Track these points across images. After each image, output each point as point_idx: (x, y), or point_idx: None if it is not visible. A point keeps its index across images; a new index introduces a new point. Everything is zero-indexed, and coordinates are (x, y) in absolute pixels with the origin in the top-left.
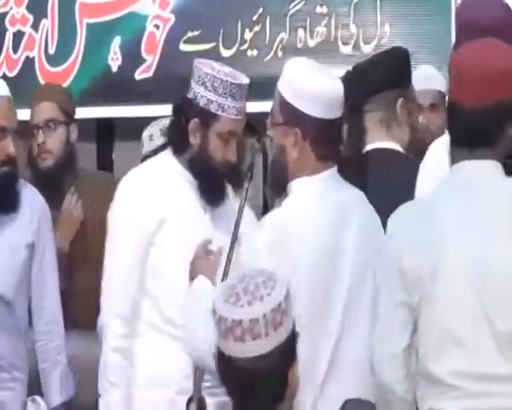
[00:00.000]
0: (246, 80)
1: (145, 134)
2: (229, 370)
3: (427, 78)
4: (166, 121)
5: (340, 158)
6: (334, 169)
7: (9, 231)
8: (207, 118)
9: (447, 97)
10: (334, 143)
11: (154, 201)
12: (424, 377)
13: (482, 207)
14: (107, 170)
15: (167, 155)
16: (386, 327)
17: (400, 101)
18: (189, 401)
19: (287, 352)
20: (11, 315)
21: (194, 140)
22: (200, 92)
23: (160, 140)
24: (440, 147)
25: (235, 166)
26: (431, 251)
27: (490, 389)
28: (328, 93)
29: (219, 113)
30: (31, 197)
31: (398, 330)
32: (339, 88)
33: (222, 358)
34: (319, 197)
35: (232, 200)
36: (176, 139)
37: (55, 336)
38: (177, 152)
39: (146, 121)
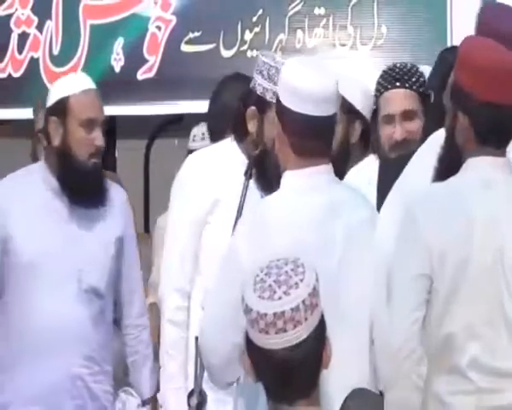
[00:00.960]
0: None
1: (193, 132)
2: (268, 363)
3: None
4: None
5: (330, 156)
6: (322, 167)
7: (100, 226)
8: (263, 106)
9: (458, 93)
10: (317, 141)
11: (209, 183)
12: (436, 361)
13: (507, 205)
14: (109, 168)
15: (230, 142)
16: (403, 298)
17: None
18: (190, 394)
19: (321, 333)
20: (102, 309)
21: (252, 128)
22: (257, 81)
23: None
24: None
25: None
26: (461, 243)
27: (501, 384)
28: (309, 89)
29: (274, 101)
30: (114, 190)
31: (415, 300)
32: (326, 86)
33: (259, 353)
34: (299, 193)
35: None
36: (236, 127)
37: (145, 329)
38: (238, 139)
39: (148, 120)
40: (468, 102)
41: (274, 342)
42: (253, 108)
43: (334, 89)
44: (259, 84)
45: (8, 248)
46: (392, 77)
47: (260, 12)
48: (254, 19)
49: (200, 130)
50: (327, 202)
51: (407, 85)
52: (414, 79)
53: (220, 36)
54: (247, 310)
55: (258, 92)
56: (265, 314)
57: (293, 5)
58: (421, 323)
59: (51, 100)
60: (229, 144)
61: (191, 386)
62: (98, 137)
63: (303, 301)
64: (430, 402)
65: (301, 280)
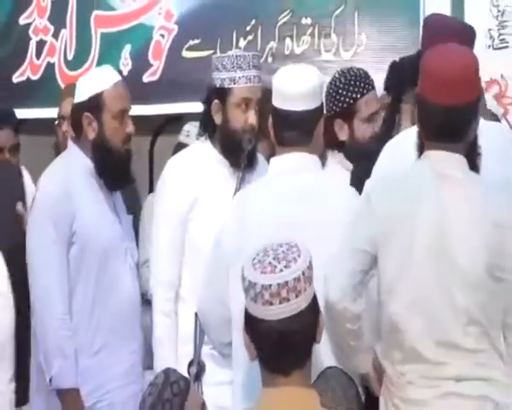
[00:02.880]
0: (250, 52)
1: (186, 128)
2: (269, 335)
3: None
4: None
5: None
6: (304, 154)
7: (123, 207)
8: (223, 94)
9: (416, 94)
10: (294, 131)
11: (188, 182)
12: (390, 341)
13: (453, 197)
14: None
15: (204, 142)
16: (342, 264)
17: None
18: (190, 364)
19: (315, 307)
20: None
21: (218, 119)
22: (214, 76)
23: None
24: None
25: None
26: (407, 227)
27: (445, 358)
28: (282, 86)
29: (231, 85)
30: None
31: (351, 269)
32: (299, 87)
33: (260, 326)
34: (279, 176)
35: (261, 165)
36: (205, 125)
37: None
38: (209, 136)
39: (153, 119)
40: (419, 103)
41: (278, 312)
42: (215, 101)
43: (310, 89)
44: (217, 78)
45: (77, 240)
46: (366, 83)
47: (253, 22)
48: (248, 28)
49: (194, 129)
50: (303, 184)
51: (371, 87)
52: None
53: (217, 43)
54: (251, 285)
55: (217, 86)
56: (270, 286)
57: (282, 15)
58: (356, 287)
59: (83, 96)
60: (203, 145)
61: (182, 368)
62: (129, 125)
63: (303, 273)
64: (388, 370)
65: (298, 256)
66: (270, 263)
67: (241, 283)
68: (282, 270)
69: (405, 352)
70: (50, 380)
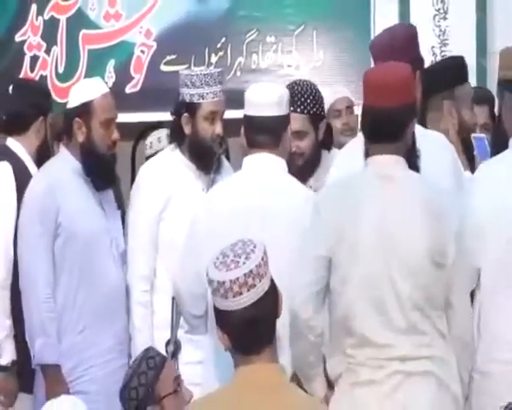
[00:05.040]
0: (215, 70)
1: (148, 140)
2: (240, 323)
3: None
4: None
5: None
6: (260, 155)
7: (112, 203)
8: (193, 109)
9: (361, 105)
10: (261, 135)
11: (161, 183)
12: (342, 329)
13: (394, 194)
14: None
15: (173, 149)
16: (303, 274)
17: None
18: (168, 343)
19: (274, 288)
20: (124, 272)
21: (188, 130)
22: (183, 92)
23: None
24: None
25: (222, 139)
26: (357, 225)
27: (394, 340)
28: (249, 95)
29: (201, 101)
30: None
31: (312, 277)
32: (264, 95)
33: (232, 318)
34: (239, 175)
35: (227, 169)
36: (175, 135)
37: None
38: (178, 145)
39: (135, 126)
40: (362, 112)
41: (247, 299)
42: (185, 114)
43: (275, 98)
44: (186, 93)
45: (62, 231)
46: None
47: (223, 39)
48: (219, 45)
49: (156, 136)
50: (270, 181)
51: (298, 110)
52: (306, 103)
53: (192, 58)
54: (220, 284)
55: (187, 100)
56: (237, 278)
57: (249, 34)
58: (318, 294)
59: (74, 102)
60: (172, 152)
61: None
62: (114, 132)
63: (262, 258)
64: (337, 357)
65: (254, 247)
66: (232, 260)
67: (209, 286)
68: (244, 262)
69: (356, 337)
70: (33, 357)
